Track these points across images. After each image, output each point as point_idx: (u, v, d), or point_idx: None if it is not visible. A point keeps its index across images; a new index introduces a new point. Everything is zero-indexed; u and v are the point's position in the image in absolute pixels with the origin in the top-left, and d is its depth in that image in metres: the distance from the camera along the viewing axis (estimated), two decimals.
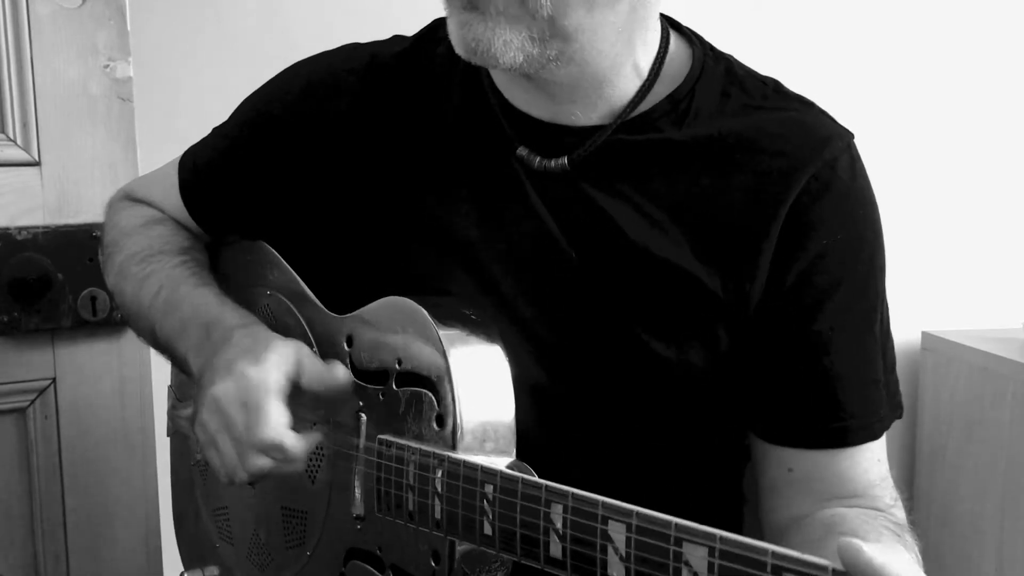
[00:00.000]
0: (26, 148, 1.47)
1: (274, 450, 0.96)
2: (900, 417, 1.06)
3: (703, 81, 1.03)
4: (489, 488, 0.86)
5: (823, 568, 0.62)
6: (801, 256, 0.99)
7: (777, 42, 2.29)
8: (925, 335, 2.45)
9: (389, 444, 0.98)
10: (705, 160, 1.00)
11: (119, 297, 1.22)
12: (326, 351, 1.08)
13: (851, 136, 1.04)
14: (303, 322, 1.12)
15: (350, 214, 1.10)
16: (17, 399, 1.51)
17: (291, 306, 1.14)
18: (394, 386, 0.99)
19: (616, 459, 1.04)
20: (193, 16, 1.86)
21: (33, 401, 1.51)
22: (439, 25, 1.11)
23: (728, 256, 0.99)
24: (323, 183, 1.11)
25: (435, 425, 0.94)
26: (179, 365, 1.14)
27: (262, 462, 0.97)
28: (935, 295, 2.46)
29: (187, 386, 1.30)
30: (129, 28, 1.51)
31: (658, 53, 1.03)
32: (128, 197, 1.29)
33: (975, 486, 2.27)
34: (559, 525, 0.80)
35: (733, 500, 1.11)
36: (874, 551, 0.64)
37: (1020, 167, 2.48)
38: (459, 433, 0.92)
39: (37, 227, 1.48)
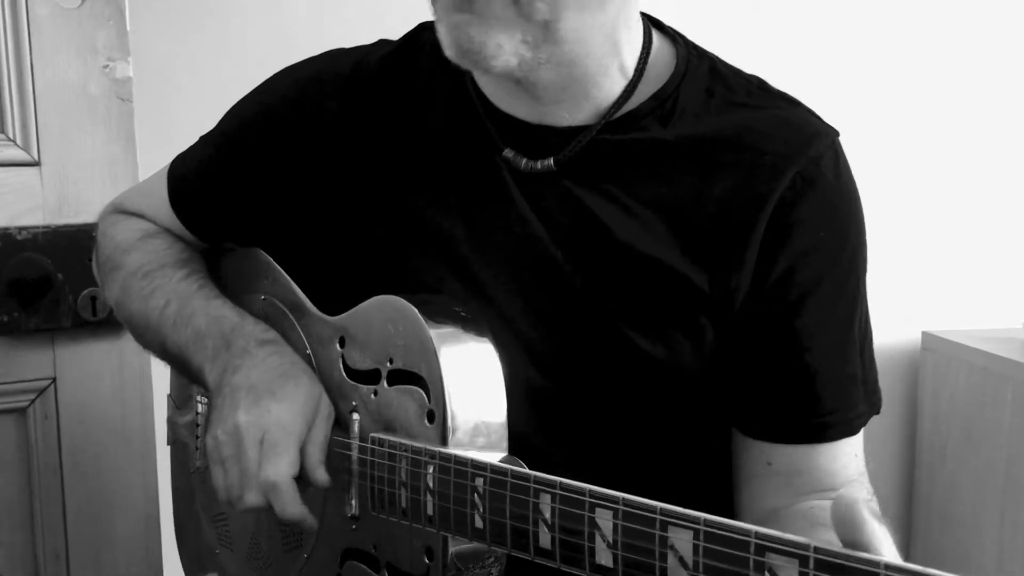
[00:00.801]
0: (26, 148, 1.48)
1: (272, 492, 0.98)
2: (878, 412, 1.07)
3: (688, 79, 1.03)
4: (479, 481, 0.87)
5: (805, 546, 0.63)
6: (785, 253, 1.00)
7: (776, 42, 2.30)
8: (925, 335, 2.45)
9: (381, 442, 0.98)
10: (691, 158, 1.01)
11: (124, 313, 1.21)
12: (320, 353, 1.09)
13: (836, 134, 1.04)
14: (297, 326, 1.12)
15: (339, 217, 1.10)
16: (17, 399, 1.52)
17: (285, 311, 1.14)
18: (385, 384, 0.99)
19: (606, 454, 1.05)
20: (193, 16, 1.87)
21: (33, 401, 1.52)
22: (424, 28, 1.11)
23: (715, 253, 1.00)
24: (310, 187, 1.11)
25: (426, 421, 0.94)
26: (192, 376, 1.14)
27: (258, 500, 0.99)
28: (935, 295, 2.46)
29: (185, 392, 1.30)
30: (129, 28, 1.52)
31: (642, 52, 1.03)
32: (119, 210, 1.29)
33: (975, 486, 2.27)
34: (548, 515, 0.80)
35: (724, 491, 1.12)
36: (867, 513, 0.65)
37: (1020, 167, 2.48)
38: (450, 429, 0.92)
39: (37, 227, 1.48)
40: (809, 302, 1.00)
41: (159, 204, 1.23)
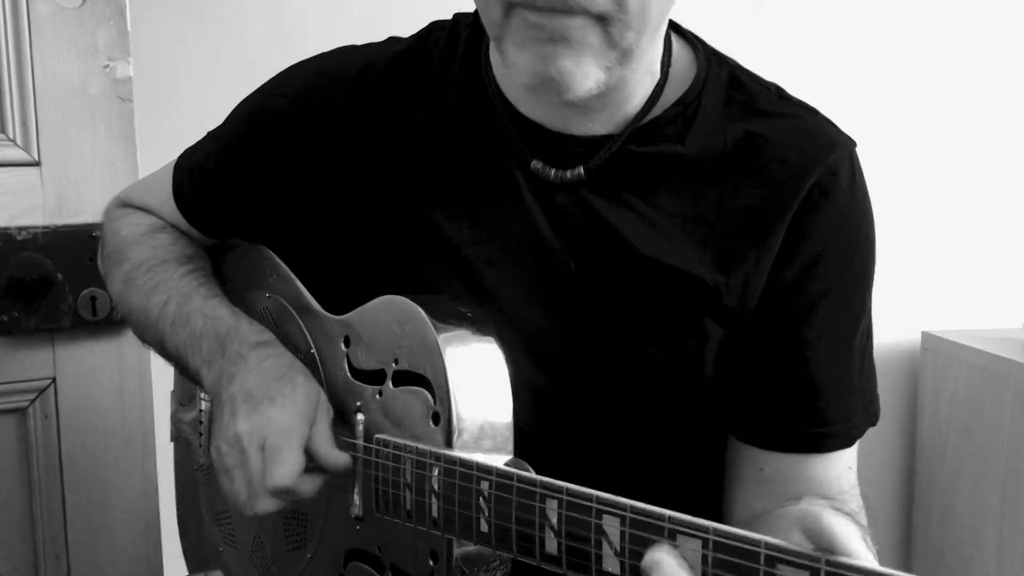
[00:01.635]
0: (26, 148, 1.47)
1: (284, 495, 0.98)
2: (874, 424, 1.07)
3: (708, 86, 1.03)
4: (485, 485, 0.86)
5: (816, 559, 0.62)
6: (795, 261, 1.00)
7: (776, 43, 2.30)
8: (925, 335, 2.45)
9: (386, 443, 0.98)
10: (710, 169, 1.00)
11: (125, 307, 1.21)
12: (324, 353, 1.08)
13: (854, 144, 1.04)
14: (301, 325, 1.12)
15: (344, 215, 1.10)
16: (17, 399, 1.51)
17: (290, 309, 1.14)
18: (391, 385, 0.99)
19: (614, 458, 1.05)
20: (193, 16, 1.87)
21: (33, 401, 1.51)
22: (435, 28, 1.11)
23: (733, 262, 1.00)
24: (317, 185, 1.10)
25: (431, 423, 0.94)
26: (190, 376, 1.14)
27: (271, 505, 0.99)
28: (935, 295, 2.47)
29: (189, 389, 1.30)
30: (129, 28, 1.51)
31: (663, 57, 1.03)
32: (125, 204, 1.28)
33: (975, 486, 2.28)
34: (554, 520, 0.80)
35: (715, 491, 1.11)
36: (832, 518, 0.64)
37: (1020, 167, 2.49)
38: (456, 431, 0.92)
39: (37, 227, 1.48)
40: (815, 312, 1.00)
41: (165, 199, 1.22)
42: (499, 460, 0.89)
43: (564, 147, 1.02)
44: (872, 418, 1.06)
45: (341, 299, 1.08)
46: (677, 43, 1.06)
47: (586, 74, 0.90)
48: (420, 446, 0.94)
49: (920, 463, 2.48)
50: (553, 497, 0.80)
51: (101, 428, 1.56)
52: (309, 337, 1.11)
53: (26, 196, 1.48)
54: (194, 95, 1.85)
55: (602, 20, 0.87)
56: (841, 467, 1.04)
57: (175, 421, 1.36)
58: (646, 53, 0.96)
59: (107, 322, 1.53)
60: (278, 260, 1.18)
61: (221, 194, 1.18)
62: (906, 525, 2.53)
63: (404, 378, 0.98)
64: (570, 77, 0.89)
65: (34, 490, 1.53)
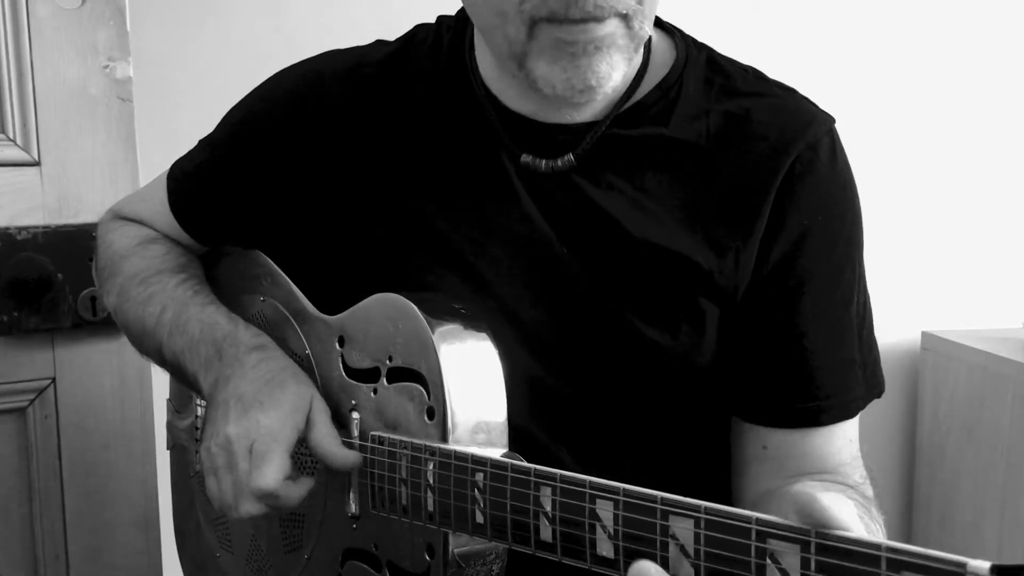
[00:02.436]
0: (26, 148, 1.47)
1: (268, 499, 0.98)
2: (879, 395, 1.08)
3: (688, 69, 1.05)
4: (479, 476, 0.87)
5: (806, 531, 0.63)
6: (783, 237, 1.01)
7: (776, 42, 2.30)
8: (925, 335, 2.45)
9: (381, 440, 0.98)
10: (695, 149, 1.02)
11: (121, 319, 1.22)
12: (319, 353, 1.09)
13: (832, 120, 1.05)
14: (296, 327, 1.12)
15: (338, 218, 1.10)
16: (17, 399, 1.51)
17: (284, 312, 1.14)
18: (385, 382, 0.99)
19: (610, 448, 1.05)
20: (193, 16, 1.87)
21: (33, 401, 1.51)
22: (420, 29, 1.13)
23: (722, 241, 1.01)
24: (309, 188, 1.11)
25: (426, 418, 0.94)
26: (188, 383, 1.15)
27: (255, 508, 0.99)
28: (935, 295, 2.47)
29: (185, 396, 1.30)
30: (129, 28, 1.52)
31: (644, 45, 1.04)
32: (118, 216, 1.29)
33: (975, 486, 2.27)
34: (548, 508, 0.81)
35: (723, 477, 1.12)
36: (825, 499, 0.64)
37: (1020, 167, 2.49)
38: (450, 425, 0.92)
39: (37, 227, 1.48)
40: (807, 286, 1.02)
41: (158, 209, 1.23)
42: (494, 453, 0.90)
43: (551, 136, 1.03)
44: (875, 389, 1.07)
45: (336, 300, 1.08)
46: (655, 32, 1.08)
47: (618, 70, 0.93)
48: (415, 441, 0.94)
49: (920, 463, 2.48)
50: (547, 484, 0.81)
51: (101, 428, 1.56)
52: (304, 339, 1.11)
53: (26, 196, 1.48)
54: (194, 95, 1.85)
55: (626, 17, 0.90)
56: (842, 440, 1.05)
57: (171, 428, 1.36)
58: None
59: (107, 322, 1.53)
60: (271, 264, 1.19)
61: (215, 200, 1.19)
62: (906, 525, 2.52)
63: (398, 375, 0.98)
64: (606, 79, 0.92)
65: (34, 490, 1.53)
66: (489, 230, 1.04)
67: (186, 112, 1.70)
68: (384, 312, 1.00)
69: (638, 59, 1.02)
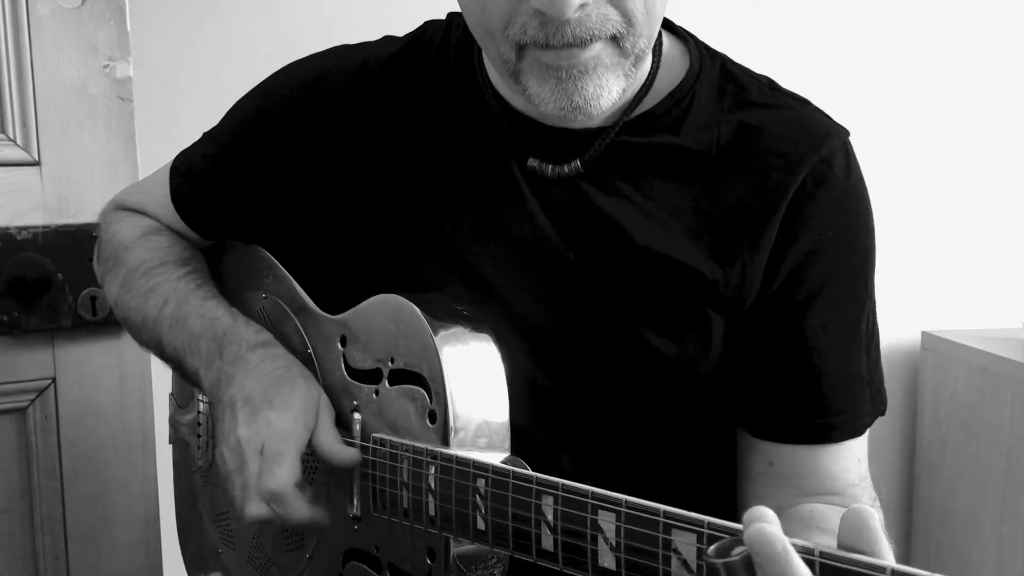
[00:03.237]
0: (26, 148, 1.47)
1: (274, 501, 0.98)
2: (882, 414, 1.07)
3: (701, 79, 1.04)
4: (481, 482, 0.87)
5: (810, 550, 0.63)
6: (794, 252, 1.00)
7: (776, 42, 2.30)
8: (925, 335, 2.45)
9: (383, 443, 0.98)
10: (705, 160, 1.01)
11: (122, 311, 1.21)
12: (321, 352, 1.09)
13: (847, 133, 1.04)
14: (298, 325, 1.12)
15: (341, 215, 1.10)
16: (17, 399, 1.51)
17: (286, 309, 1.14)
18: (387, 384, 0.99)
19: (613, 454, 1.05)
20: (193, 16, 1.87)
21: (33, 401, 1.51)
22: (429, 27, 1.12)
23: (729, 252, 1.00)
24: (313, 184, 1.10)
25: (428, 421, 0.94)
26: (188, 378, 1.14)
27: (261, 511, 0.99)
28: (935, 295, 2.46)
29: (187, 391, 1.30)
30: (129, 28, 1.51)
31: (655, 51, 1.04)
32: (121, 207, 1.28)
33: (975, 486, 2.27)
34: (550, 517, 0.80)
35: (728, 491, 1.12)
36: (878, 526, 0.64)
37: (1020, 167, 2.48)
38: (452, 429, 0.92)
39: (37, 227, 1.48)
40: (817, 301, 1.01)
41: (161, 201, 1.22)
42: (496, 458, 0.89)
43: (559, 141, 1.02)
44: (879, 407, 1.06)
45: (338, 298, 1.08)
46: (667, 37, 1.07)
47: (609, 89, 0.92)
48: (417, 444, 0.94)
49: (920, 463, 2.48)
50: (549, 493, 0.80)
51: (101, 428, 1.56)
52: (306, 337, 1.11)
53: (26, 196, 1.48)
54: (194, 95, 1.85)
55: (614, 39, 0.90)
56: (849, 459, 1.04)
57: (173, 423, 1.36)
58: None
59: (107, 322, 1.53)
60: (274, 261, 1.18)
61: (218, 194, 1.18)
62: (906, 525, 2.52)
63: (400, 377, 0.98)
64: (595, 100, 0.91)
65: (34, 490, 1.53)
66: (493, 233, 1.04)
67: (186, 112, 1.70)
68: (386, 313, 1.00)
69: (644, 68, 1.01)
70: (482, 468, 0.87)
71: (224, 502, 1.24)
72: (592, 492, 0.77)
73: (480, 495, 0.86)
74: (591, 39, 0.88)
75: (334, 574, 1.07)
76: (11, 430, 1.51)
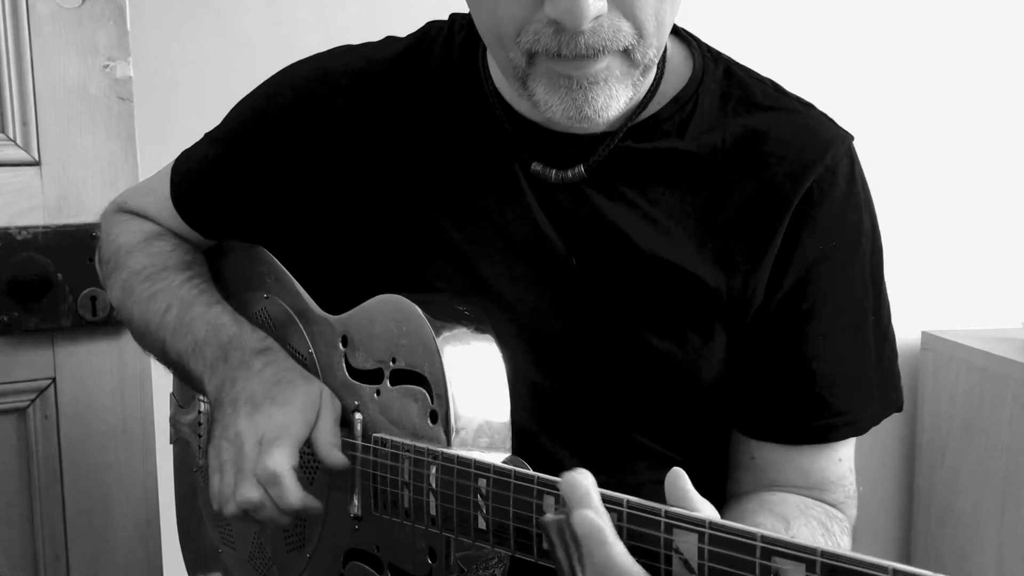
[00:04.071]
0: (26, 148, 1.47)
1: (270, 483, 0.97)
2: (899, 410, 1.08)
3: (705, 83, 1.03)
4: (482, 482, 0.86)
5: (812, 550, 0.63)
6: (797, 262, 1.00)
7: (776, 42, 2.30)
8: (925, 335, 2.45)
9: (384, 442, 0.98)
10: (710, 165, 1.01)
11: (124, 315, 1.21)
12: (322, 353, 1.09)
13: (851, 139, 1.04)
14: (299, 326, 1.12)
15: (343, 216, 1.10)
16: (17, 399, 1.51)
17: (288, 310, 1.14)
18: (388, 384, 0.99)
19: (614, 455, 1.05)
20: (193, 16, 1.87)
21: (33, 401, 1.51)
22: (431, 28, 1.12)
23: (733, 259, 1.00)
24: (318, 184, 1.10)
25: (429, 421, 0.94)
26: (192, 383, 1.14)
27: (255, 493, 0.98)
28: (935, 295, 2.46)
29: (188, 391, 1.30)
30: (129, 28, 1.51)
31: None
32: (122, 209, 1.28)
33: (975, 486, 2.27)
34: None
35: (719, 485, 1.12)
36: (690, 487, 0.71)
37: (1020, 167, 2.48)
38: (453, 429, 0.92)
39: (37, 227, 1.48)
40: (820, 311, 1.01)
41: (162, 203, 1.22)
42: (497, 458, 0.89)
43: (564, 146, 1.02)
44: (893, 405, 1.07)
45: (340, 299, 1.08)
46: (671, 41, 1.06)
47: (617, 99, 0.92)
48: (418, 444, 0.94)
49: (920, 463, 2.48)
50: (550, 493, 0.80)
51: (101, 428, 1.56)
52: (307, 338, 1.11)
53: (26, 196, 1.48)
54: (194, 95, 1.85)
55: (625, 51, 0.90)
56: (829, 459, 1.05)
57: (174, 423, 1.36)
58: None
59: (107, 322, 1.53)
60: (275, 261, 1.18)
61: (220, 195, 1.18)
62: (906, 525, 2.52)
63: (402, 377, 0.98)
64: (604, 110, 0.92)
65: (34, 490, 1.53)
66: (495, 235, 1.03)
67: (186, 112, 1.70)
68: (388, 313, 1.00)
69: (651, 76, 1.00)
70: (484, 468, 0.87)
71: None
72: None
73: (481, 495, 0.86)
74: (603, 51, 0.88)
75: (335, 574, 1.07)
76: (11, 430, 1.51)
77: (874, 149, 2.34)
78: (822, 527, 0.98)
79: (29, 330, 1.49)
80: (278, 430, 0.98)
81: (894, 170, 2.38)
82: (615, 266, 1.01)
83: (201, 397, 1.26)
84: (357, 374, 1.04)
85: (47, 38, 1.47)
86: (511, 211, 1.03)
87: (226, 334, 1.09)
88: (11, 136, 1.46)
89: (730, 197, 1.00)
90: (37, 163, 1.48)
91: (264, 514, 0.99)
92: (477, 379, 0.95)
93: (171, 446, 1.39)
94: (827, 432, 1.03)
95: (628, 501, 0.74)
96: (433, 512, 0.92)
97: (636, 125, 1.02)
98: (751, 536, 0.66)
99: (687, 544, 0.70)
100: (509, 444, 0.95)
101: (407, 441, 0.95)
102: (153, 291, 1.16)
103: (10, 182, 1.47)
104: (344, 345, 1.05)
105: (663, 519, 0.71)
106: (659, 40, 0.92)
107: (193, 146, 1.22)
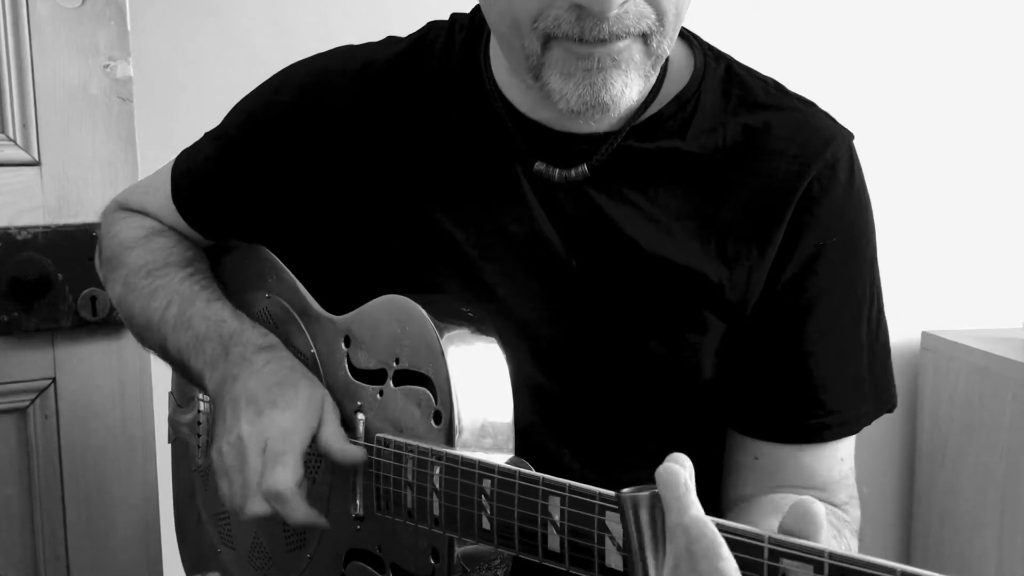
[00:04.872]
0: (26, 148, 1.47)
1: (275, 500, 0.98)
2: (891, 410, 1.08)
3: (706, 81, 1.04)
4: (487, 483, 0.86)
5: (819, 552, 0.63)
6: (796, 256, 1.01)
7: (775, 42, 2.30)
8: (925, 335, 2.45)
9: (387, 443, 0.98)
10: (711, 163, 1.01)
11: (125, 311, 1.21)
12: (325, 353, 1.09)
13: (851, 137, 1.05)
14: (301, 325, 1.12)
15: (343, 216, 1.10)
16: (17, 399, 1.51)
17: (289, 309, 1.14)
18: (392, 384, 0.99)
19: (616, 454, 1.05)
20: (193, 16, 1.87)
21: (33, 401, 1.51)
22: (431, 28, 1.11)
23: (735, 257, 1.00)
24: (315, 185, 1.10)
25: (433, 422, 0.94)
26: (192, 379, 1.14)
27: (262, 508, 0.99)
28: (935, 295, 2.47)
29: (187, 391, 1.30)
30: (129, 28, 1.51)
31: None
32: (123, 207, 1.28)
33: (975, 486, 2.28)
34: (557, 517, 0.80)
35: (715, 482, 1.12)
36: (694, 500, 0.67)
37: (1020, 167, 2.49)
38: (457, 430, 0.92)
39: (37, 227, 1.48)
40: (818, 307, 1.01)
41: (163, 201, 1.22)
42: (500, 459, 0.89)
43: (566, 146, 1.02)
44: (886, 405, 1.07)
45: (341, 299, 1.08)
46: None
47: (632, 88, 0.92)
48: (422, 445, 0.94)
49: (920, 463, 2.48)
50: (556, 494, 0.80)
51: (101, 428, 1.56)
52: (309, 338, 1.11)
53: (26, 196, 1.48)
54: (194, 95, 1.85)
55: (644, 37, 0.90)
56: (832, 458, 1.05)
57: (173, 423, 1.36)
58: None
59: (107, 322, 1.53)
60: (277, 260, 1.18)
61: (220, 194, 1.18)
62: (906, 525, 2.53)
63: (405, 378, 0.98)
64: (620, 97, 0.91)
65: (34, 490, 1.53)
66: (497, 235, 1.03)
67: (186, 112, 1.69)
68: (391, 314, 1.00)
69: (657, 72, 1.00)
70: (488, 469, 0.87)
71: (220, 501, 1.24)
72: (599, 493, 0.77)
73: (486, 495, 0.86)
74: (625, 35, 0.88)
75: (336, 574, 1.07)
76: (11, 430, 1.51)
77: (875, 149, 2.34)
78: (833, 528, 0.98)
79: (29, 330, 1.49)
80: (281, 440, 0.98)
81: (895, 170, 2.38)
82: (617, 266, 1.01)
83: (201, 396, 1.26)
84: (360, 374, 1.04)
85: (47, 38, 1.47)
86: (511, 210, 1.03)
87: (227, 329, 1.09)
88: (11, 136, 1.46)
89: (732, 194, 1.01)
90: (37, 163, 1.48)
91: (274, 522, 1.01)
92: (481, 380, 0.95)
93: (169, 446, 1.39)
94: (821, 430, 1.03)
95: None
96: (437, 512, 0.92)
97: (638, 125, 1.02)
98: (758, 538, 0.66)
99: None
100: (512, 445, 0.95)
101: (411, 441, 0.95)
102: (154, 287, 1.16)
103: (10, 182, 1.47)
104: (347, 345, 1.05)
105: None
106: (674, 31, 0.92)
107: (193, 145, 1.22)
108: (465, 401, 0.93)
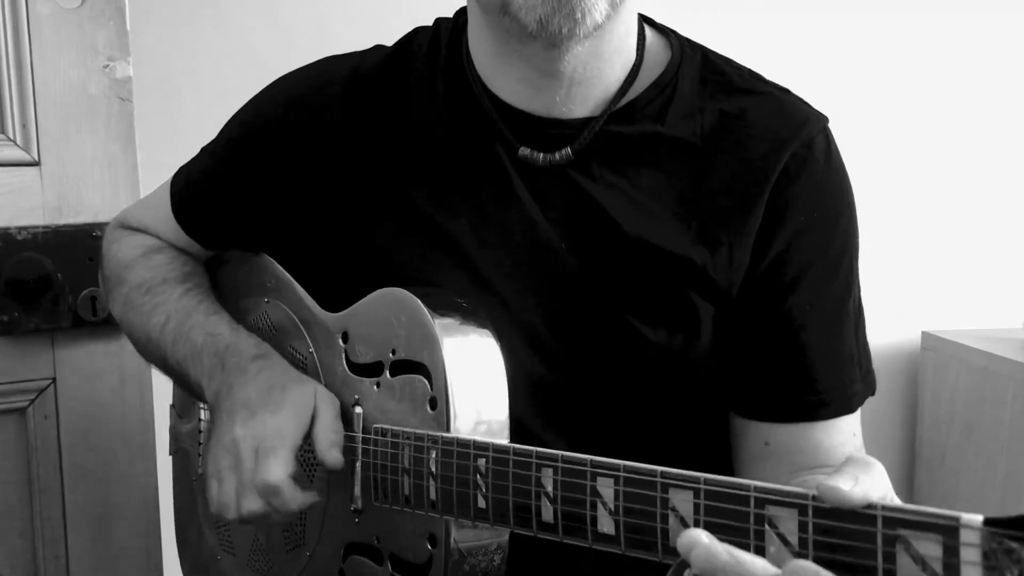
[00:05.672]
0: (26, 148, 1.48)
1: (270, 494, 0.98)
2: (872, 393, 1.08)
3: (683, 68, 1.06)
4: (482, 461, 0.87)
5: (803, 495, 0.64)
6: (778, 235, 1.02)
7: (775, 42, 2.30)
8: (925, 335, 2.45)
9: (384, 432, 0.98)
10: (690, 147, 1.04)
11: (127, 328, 1.23)
12: (323, 351, 1.09)
13: (826, 119, 1.07)
14: (300, 327, 1.13)
15: (341, 219, 1.11)
16: (17, 399, 1.51)
17: (288, 312, 1.15)
18: (388, 375, 1.00)
19: (610, 442, 1.05)
20: (193, 16, 1.88)
21: (33, 401, 1.51)
22: (417, 32, 1.14)
23: (717, 238, 1.02)
24: (312, 191, 1.12)
25: (429, 408, 0.95)
26: (191, 390, 1.16)
27: (256, 504, 0.99)
28: (935, 295, 2.47)
29: (188, 401, 1.31)
30: (129, 28, 1.52)
31: (638, 43, 1.07)
32: (123, 226, 1.30)
33: (975, 486, 2.27)
34: (550, 488, 0.81)
35: (728, 472, 1.12)
36: (847, 482, 0.64)
37: (1020, 167, 2.49)
38: (453, 415, 0.93)
39: (37, 227, 1.48)
40: (803, 281, 1.03)
41: (162, 217, 1.24)
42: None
43: (548, 131, 1.04)
44: (870, 387, 1.08)
45: (339, 298, 1.09)
46: (650, 32, 1.10)
47: (599, 5, 0.93)
48: (418, 431, 0.94)
49: (920, 463, 2.48)
50: (548, 465, 0.82)
51: (101, 428, 1.56)
52: (308, 339, 1.12)
53: (26, 196, 1.48)
54: (194, 95, 1.86)
55: None
56: (845, 434, 1.05)
57: (174, 433, 1.36)
58: (625, 17, 1.00)
59: (107, 322, 1.53)
60: (276, 266, 1.20)
61: (218, 204, 1.20)
62: None
63: (402, 367, 0.99)
64: (588, 11, 0.92)
65: (34, 490, 1.53)
66: (487, 223, 1.05)
67: (186, 112, 1.71)
68: (387, 307, 1.01)
69: (631, 41, 1.03)
70: (483, 447, 0.88)
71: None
72: (591, 460, 0.78)
73: (481, 474, 0.87)
74: None
75: (335, 570, 1.07)
76: (11, 430, 1.51)
77: (875, 149, 2.35)
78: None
79: (29, 330, 1.49)
80: (273, 436, 0.99)
81: (895, 170, 2.39)
82: (603, 250, 1.03)
83: (201, 405, 1.27)
84: (357, 368, 1.04)
85: (47, 38, 1.47)
86: (500, 197, 1.05)
87: (223, 341, 1.11)
88: (11, 136, 1.47)
89: (711, 177, 1.03)
90: (37, 163, 1.48)
91: (269, 520, 1.01)
92: (476, 367, 0.95)
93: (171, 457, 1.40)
94: (818, 407, 1.04)
95: (624, 466, 0.76)
96: (433, 496, 0.92)
97: (618, 110, 1.04)
98: (744, 488, 0.67)
99: (683, 501, 0.71)
100: (507, 432, 0.96)
101: (407, 429, 0.96)
102: (153, 304, 1.18)
103: (10, 182, 1.47)
104: (344, 341, 1.06)
105: (659, 479, 0.73)
106: None
107: (191, 160, 1.24)
108: (460, 386, 0.93)
